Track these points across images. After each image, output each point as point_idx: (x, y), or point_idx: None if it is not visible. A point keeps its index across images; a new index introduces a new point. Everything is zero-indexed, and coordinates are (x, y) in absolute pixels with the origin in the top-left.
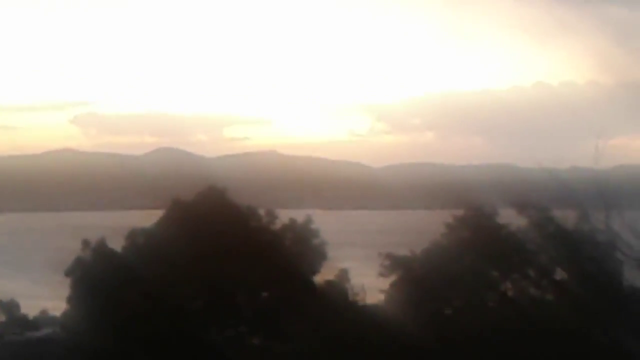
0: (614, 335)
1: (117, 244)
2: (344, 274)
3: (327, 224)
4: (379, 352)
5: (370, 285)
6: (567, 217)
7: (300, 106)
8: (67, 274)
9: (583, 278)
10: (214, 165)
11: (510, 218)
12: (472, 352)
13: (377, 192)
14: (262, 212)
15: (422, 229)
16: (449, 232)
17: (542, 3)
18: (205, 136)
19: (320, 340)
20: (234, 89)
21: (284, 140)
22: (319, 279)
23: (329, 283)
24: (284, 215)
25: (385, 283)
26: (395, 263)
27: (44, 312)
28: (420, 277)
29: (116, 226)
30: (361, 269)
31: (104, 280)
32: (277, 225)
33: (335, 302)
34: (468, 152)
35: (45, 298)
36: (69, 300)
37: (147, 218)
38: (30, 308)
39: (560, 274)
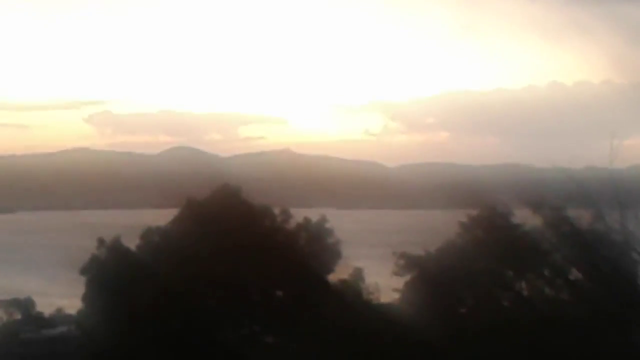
0: (629, 335)
1: (132, 243)
2: (358, 273)
3: (341, 223)
4: (393, 350)
5: (385, 285)
6: (582, 216)
7: (315, 105)
8: (82, 272)
9: (598, 278)
10: (229, 164)
11: (525, 218)
12: (487, 351)
13: (391, 191)
14: (276, 211)
15: (437, 229)
16: (463, 231)
17: (557, 2)
18: (220, 135)
19: (334, 339)
20: (249, 88)
21: (299, 140)
22: (333, 278)
23: (343, 282)
24: (298, 215)
25: (400, 282)
26: (409, 262)
27: (59, 310)
28: (434, 277)
29: (131, 225)
30: (375, 268)
31: (118, 278)
32: (292, 224)
33: (350, 301)
34: (482, 152)
35: (61, 296)
36: (84, 298)
37: (162, 217)
38: (45, 306)
39: (574, 274)
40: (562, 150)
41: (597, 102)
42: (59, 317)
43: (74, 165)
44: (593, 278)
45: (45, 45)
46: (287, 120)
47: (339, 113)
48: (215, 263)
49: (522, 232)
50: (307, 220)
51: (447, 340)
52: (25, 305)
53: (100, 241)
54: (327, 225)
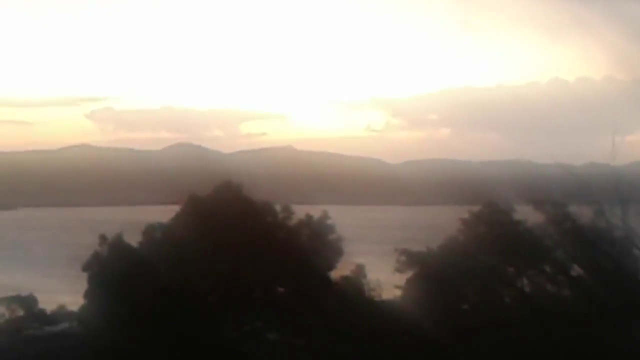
0: (630, 331)
1: (134, 239)
2: (360, 270)
3: (343, 219)
4: (395, 347)
5: (387, 281)
6: (583, 213)
7: (317, 102)
8: (84, 269)
9: (599, 274)
10: (231, 160)
11: (527, 214)
12: (488, 348)
13: (393, 187)
14: (278, 207)
15: (439, 225)
16: (465, 228)
17: None
18: (222, 132)
19: (336, 335)
20: (251, 84)
21: (300, 136)
22: (335, 274)
23: (345, 279)
24: (300, 211)
25: (402, 279)
26: (411, 259)
27: (61, 307)
28: (436, 273)
29: (133, 221)
30: (377, 265)
31: (120, 275)
32: (293, 220)
33: (352, 297)
34: (484, 148)
35: (63, 293)
36: (86, 295)
37: (164, 213)
38: (48, 303)
39: (576, 270)
40: (563, 147)
41: (599, 99)
42: (61, 314)
43: (76, 161)
44: (594, 274)
45: (46, 42)
46: (289, 116)
47: (341, 109)
48: (217, 260)
49: (523, 229)
50: (309, 216)
51: (449, 337)
52: (27, 302)
53: (102, 238)
54: (329, 221)
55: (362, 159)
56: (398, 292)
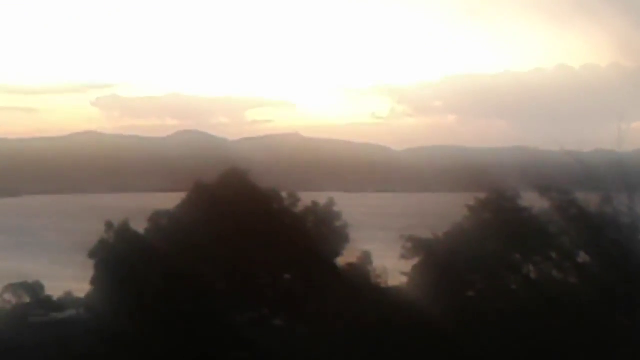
0: (636, 317)
1: (140, 226)
2: (366, 257)
3: (349, 206)
4: (401, 333)
5: (393, 268)
6: (589, 199)
7: (323, 89)
8: (91, 255)
9: (606, 260)
10: (237, 147)
11: (533, 201)
12: (494, 334)
13: (399, 174)
14: (284, 194)
15: (445, 212)
16: (471, 214)
17: None
18: (228, 119)
19: (342, 322)
20: (257, 71)
21: (306, 123)
22: (341, 261)
23: (351, 265)
24: (306, 198)
25: (408, 265)
26: (417, 245)
27: (68, 294)
28: (442, 260)
29: (139, 208)
30: (383, 252)
31: (127, 261)
32: (300, 207)
33: (358, 284)
34: (490, 135)
35: (70, 279)
36: (93, 281)
37: (170, 200)
38: (54, 289)
39: (582, 257)
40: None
41: (605, 85)
42: (67, 301)
43: (82, 148)
44: (601, 261)
45: (53, 30)
46: (295, 104)
47: (347, 96)
48: (223, 246)
49: (529, 215)
50: (315, 203)
51: (455, 323)
52: (34, 288)
53: (109, 225)
54: (335, 208)
55: (367, 145)
56: (404, 279)
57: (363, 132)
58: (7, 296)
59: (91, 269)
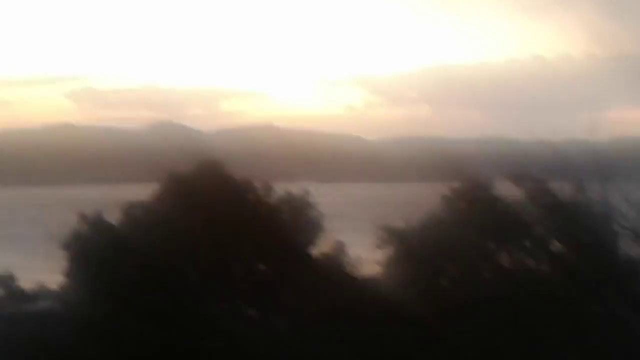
0: (609, 306)
1: (114, 218)
2: (340, 246)
3: (323, 196)
4: (375, 323)
5: (367, 258)
6: (563, 189)
7: (296, 80)
8: (64, 247)
9: (579, 249)
10: (211, 139)
11: (507, 190)
12: (468, 323)
13: (373, 164)
14: (258, 185)
15: (419, 202)
16: (445, 204)
17: None
18: (201, 110)
19: (316, 312)
20: (230, 62)
21: (280, 114)
22: (315, 251)
23: (325, 255)
24: (281, 188)
25: (382, 255)
26: (391, 235)
27: (41, 286)
28: (416, 249)
29: (113, 199)
30: (358, 241)
31: (100, 253)
32: (274, 198)
33: (332, 274)
34: (464, 125)
35: (42, 271)
36: (66, 273)
37: (144, 191)
38: (27, 281)
39: (556, 246)
40: (544, 123)
41: (579, 75)
42: (40, 292)
43: (56, 140)
44: (574, 249)
45: (25, 20)
46: (269, 94)
47: (320, 87)
48: (197, 237)
49: (504, 205)
50: (289, 194)
51: (430, 313)
52: (5, 280)
53: (82, 216)
54: (310, 198)
55: (342, 136)
56: (378, 269)
57: (337, 123)
58: None
59: (64, 261)
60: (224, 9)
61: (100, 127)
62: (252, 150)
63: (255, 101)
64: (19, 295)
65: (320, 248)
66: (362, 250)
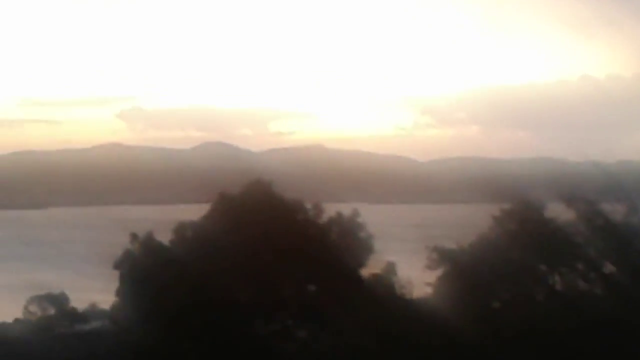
0: None
1: (164, 238)
2: (390, 267)
3: (373, 217)
4: (426, 345)
5: (417, 279)
6: (615, 210)
7: (346, 100)
8: (116, 267)
9: (632, 271)
10: (260, 159)
11: (558, 211)
12: (520, 346)
13: (423, 186)
14: (308, 205)
15: (469, 223)
16: (496, 225)
17: None
18: (251, 130)
19: (367, 333)
20: (280, 83)
21: (330, 135)
22: (365, 272)
23: (375, 276)
24: (331, 209)
25: (432, 276)
26: (442, 256)
27: (93, 305)
28: (467, 270)
29: (164, 220)
30: (408, 263)
31: (151, 273)
32: (324, 218)
33: (382, 295)
34: (514, 146)
35: (95, 291)
36: (118, 293)
37: (195, 212)
38: (79, 301)
39: (608, 268)
40: (594, 144)
41: (629, 96)
42: (92, 312)
43: (105, 160)
44: (627, 271)
45: (77, 43)
46: (318, 115)
47: (370, 108)
48: (247, 257)
49: (555, 226)
50: (339, 214)
51: (480, 335)
52: (59, 300)
53: (134, 236)
54: (359, 219)
55: (391, 157)
56: (429, 290)
57: (386, 144)
58: (32, 308)
59: (116, 281)
60: (275, 31)
61: (150, 147)
62: (301, 170)
63: (305, 122)
64: (71, 315)
65: (370, 269)
66: (412, 271)
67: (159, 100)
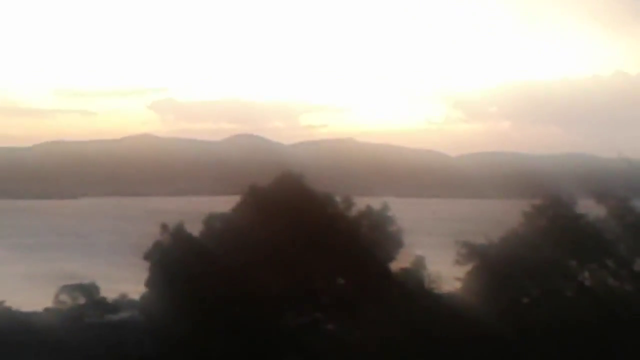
0: None
1: (195, 229)
2: (420, 262)
3: (403, 211)
4: (455, 340)
5: (447, 273)
6: None
7: (377, 94)
8: (146, 257)
9: None
10: (291, 152)
11: (589, 207)
12: (549, 342)
13: (453, 180)
14: (338, 198)
15: (499, 218)
16: (526, 221)
17: None
18: (282, 123)
19: (396, 327)
20: (311, 76)
21: (361, 128)
22: (395, 266)
23: (405, 270)
24: (361, 203)
25: (462, 271)
26: (472, 251)
27: (123, 296)
28: (497, 266)
29: (194, 211)
30: (437, 257)
31: (181, 264)
32: (354, 212)
33: (411, 289)
34: (545, 142)
35: (125, 281)
36: (147, 283)
37: (225, 204)
38: (109, 291)
39: (639, 265)
40: (626, 141)
41: None
42: (122, 303)
43: (137, 151)
44: None
45: (110, 34)
46: (349, 108)
47: (401, 102)
48: (277, 250)
49: (586, 222)
50: (369, 208)
51: (510, 329)
52: (89, 290)
53: (164, 227)
54: (389, 213)
55: (422, 151)
56: (458, 285)
57: (417, 138)
58: (63, 297)
59: (146, 271)
60: (308, 24)
61: (181, 139)
62: (332, 163)
63: (336, 115)
64: (101, 305)
65: (399, 262)
66: (441, 265)
67: (191, 92)
